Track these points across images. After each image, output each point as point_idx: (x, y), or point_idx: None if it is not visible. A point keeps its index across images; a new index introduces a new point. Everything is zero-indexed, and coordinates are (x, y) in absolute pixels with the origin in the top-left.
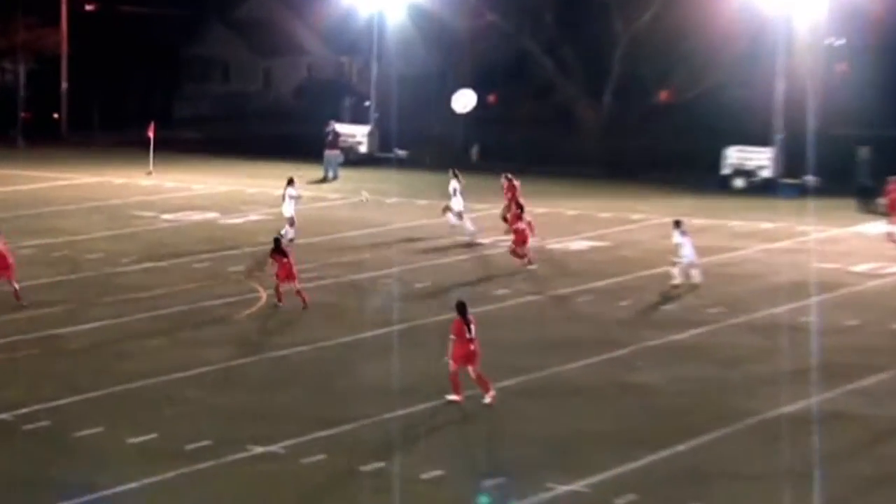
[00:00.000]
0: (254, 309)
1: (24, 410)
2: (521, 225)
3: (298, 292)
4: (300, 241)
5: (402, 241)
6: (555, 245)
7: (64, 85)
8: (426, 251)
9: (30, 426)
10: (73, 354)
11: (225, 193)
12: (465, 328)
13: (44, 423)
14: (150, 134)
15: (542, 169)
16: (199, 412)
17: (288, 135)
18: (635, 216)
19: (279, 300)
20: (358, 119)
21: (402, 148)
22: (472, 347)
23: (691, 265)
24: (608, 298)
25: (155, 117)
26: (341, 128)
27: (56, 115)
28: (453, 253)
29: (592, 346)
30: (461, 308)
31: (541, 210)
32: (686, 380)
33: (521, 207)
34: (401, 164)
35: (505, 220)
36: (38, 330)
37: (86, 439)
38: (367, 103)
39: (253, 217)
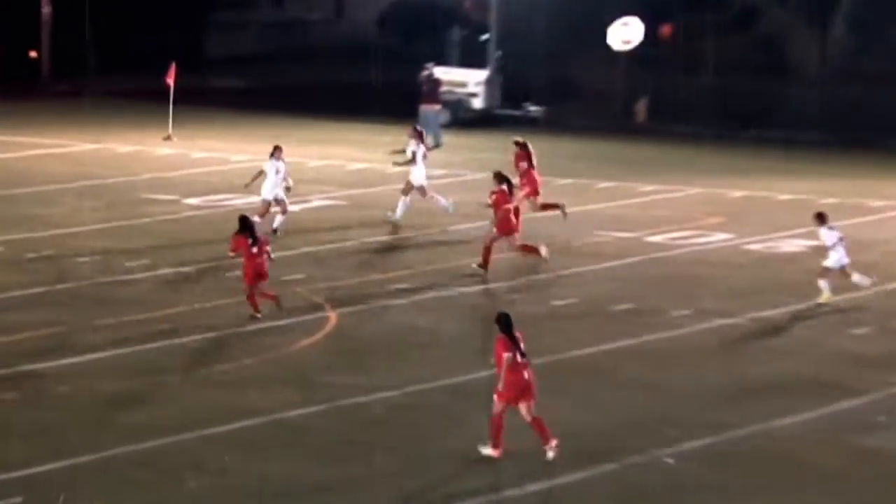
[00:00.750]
0: (318, 336)
1: None
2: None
3: (264, 294)
4: (377, 238)
5: (535, 239)
6: (756, 245)
7: (45, 9)
8: (569, 252)
9: None
10: (59, 400)
11: None
12: (514, 349)
13: (15, 501)
14: (170, 81)
15: (741, 133)
16: (239, 486)
17: (367, 83)
18: (876, 203)
19: (256, 310)
20: (471, 61)
21: (535, 102)
22: (525, 376)
23: (843, 272)
24: (834, 323)
25: (177, 57)
26: (445, 73)
27: (34, 54)
28: (608, 256)
29: (812, 393)
30: (504, 322)
31: (738, 193)
32: None
33: (508, 183)
34: (533, 124)
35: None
36: (8, 365)
37: None
38: (483, 37)
39: (316, 202)
